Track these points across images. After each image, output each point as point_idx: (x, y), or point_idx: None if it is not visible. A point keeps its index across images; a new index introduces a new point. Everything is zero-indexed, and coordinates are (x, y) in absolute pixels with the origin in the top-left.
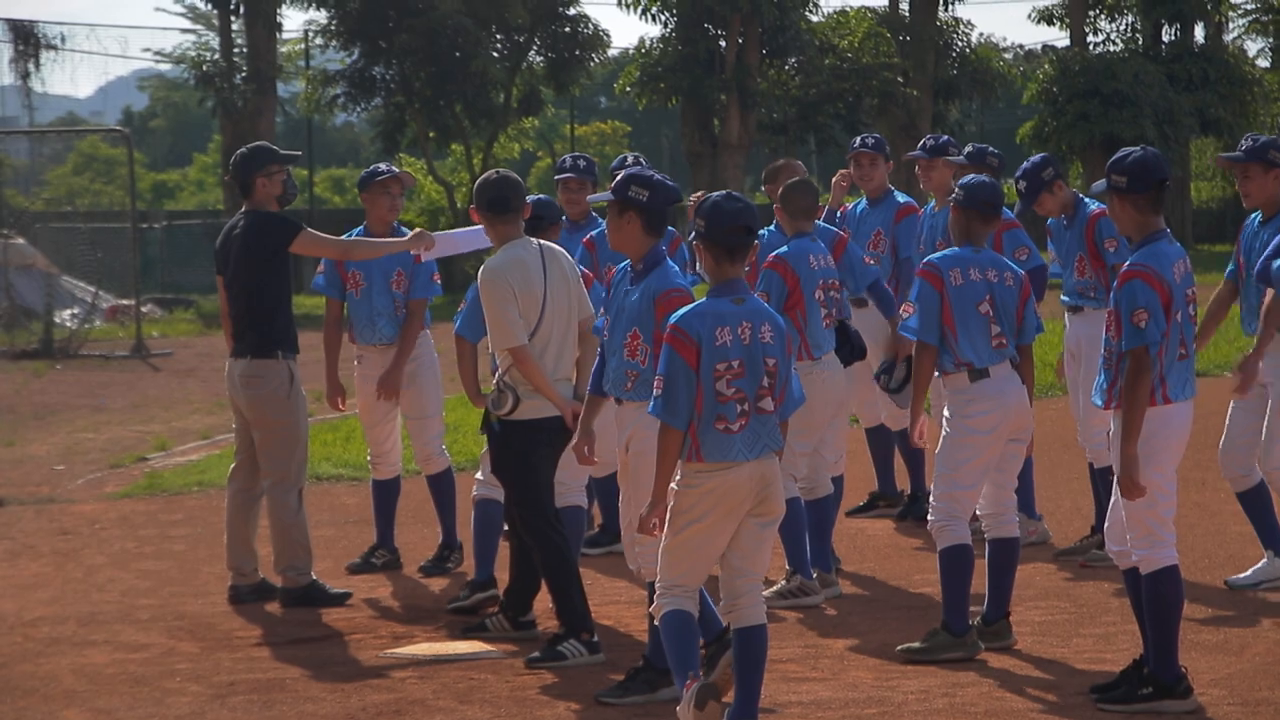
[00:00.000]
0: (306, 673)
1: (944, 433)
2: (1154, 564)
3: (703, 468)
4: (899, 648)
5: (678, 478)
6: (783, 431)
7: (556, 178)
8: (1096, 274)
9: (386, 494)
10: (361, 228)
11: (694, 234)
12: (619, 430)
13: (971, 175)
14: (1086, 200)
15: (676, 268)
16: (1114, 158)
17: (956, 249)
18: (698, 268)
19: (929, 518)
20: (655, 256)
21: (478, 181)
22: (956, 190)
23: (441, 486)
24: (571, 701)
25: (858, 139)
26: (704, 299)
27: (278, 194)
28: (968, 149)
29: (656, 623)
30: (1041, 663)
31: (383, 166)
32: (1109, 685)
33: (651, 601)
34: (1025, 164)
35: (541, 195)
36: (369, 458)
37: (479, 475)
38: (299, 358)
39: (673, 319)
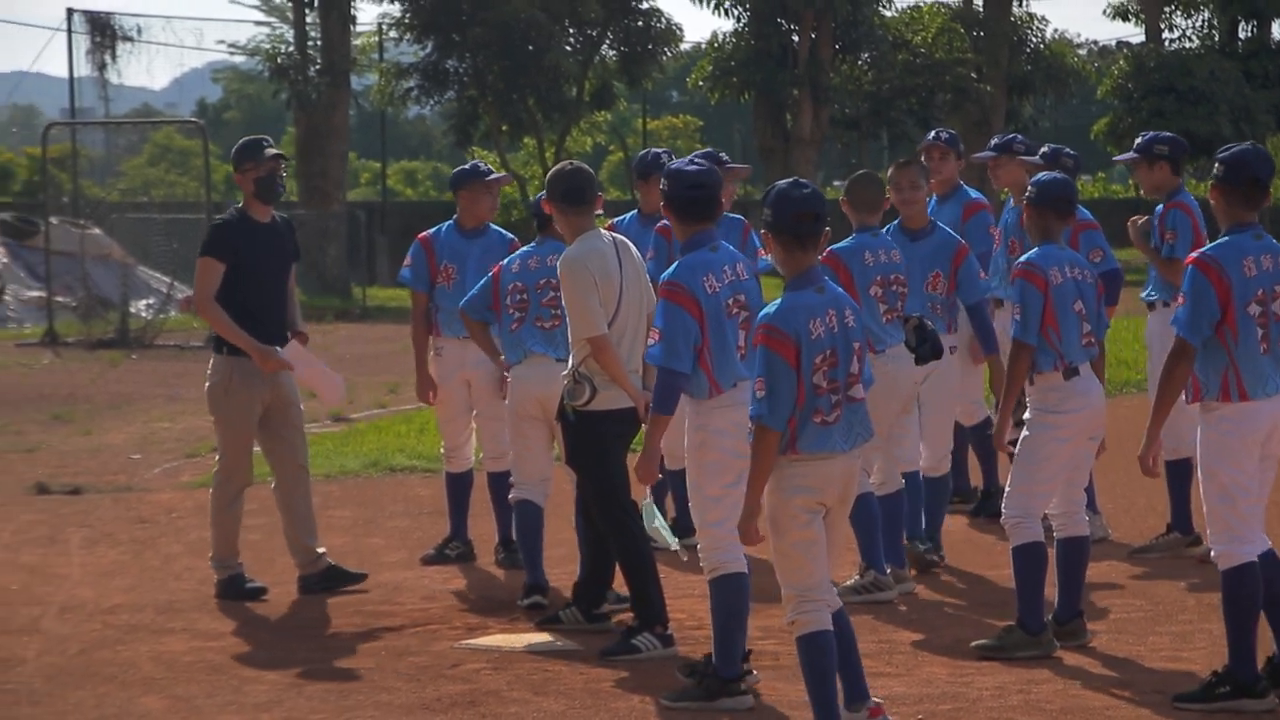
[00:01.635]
0: (382, 663)
1: (1025, 432)
2: (1230, 560)
3: (799, 459)
4: (973, 644)
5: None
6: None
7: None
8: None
9: (460, 487)
10: (451, 223)
11: (764, 224)
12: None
13: (1044, 172)
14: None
15: (704, 257)
16: (1222, 148)
17: (1048, 247)
18: (768, 256)
19: (1004, 514)
20: (692, 242)
21: (551, 173)
22: (1030, 188)
23: (504, 485)
24: (645, 694)
25: (931, 133)
26: (787, 293)
27: (251, 190)
28: (1043, 150)
29: (794, 637)
30: (1117, 661)
31: (484, 165)
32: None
33: (718, 600)
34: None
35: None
36: (442, 450)
37: (512, 478)
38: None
39: (763, 318)
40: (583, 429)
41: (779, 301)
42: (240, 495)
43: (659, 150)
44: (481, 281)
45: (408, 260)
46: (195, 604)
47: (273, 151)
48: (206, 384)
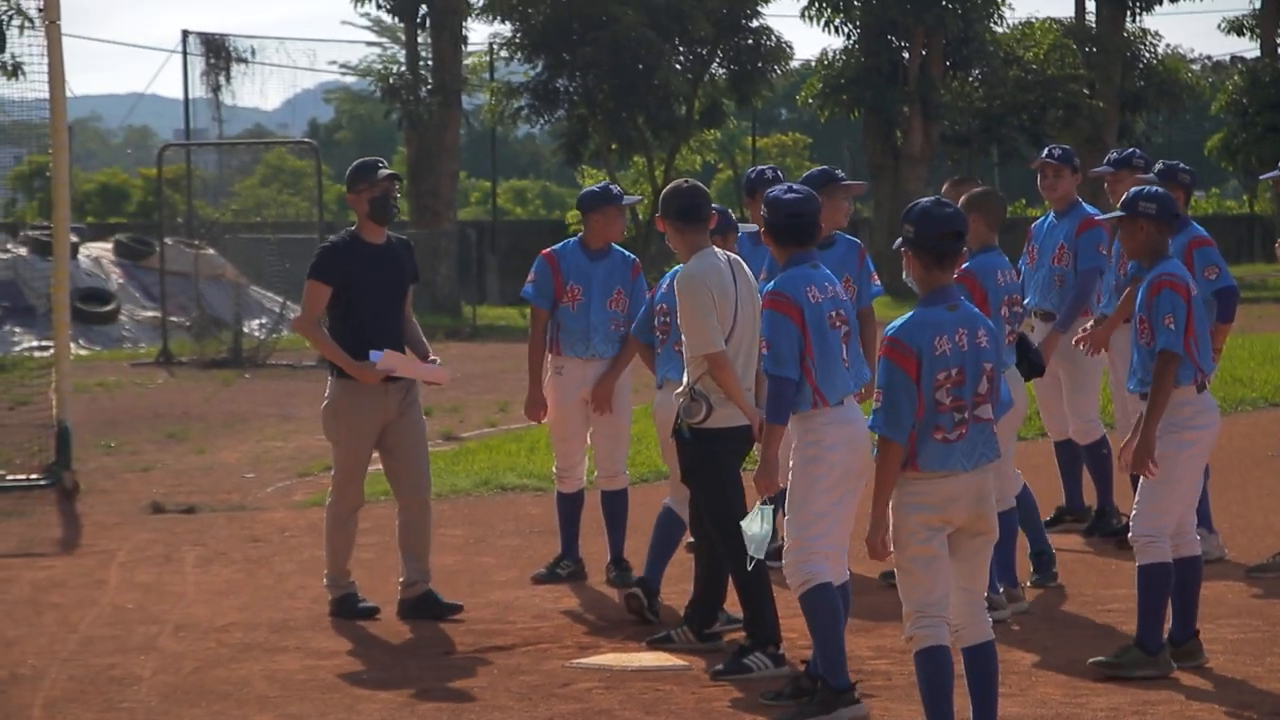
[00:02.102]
0: (494, 682)
1: (1158, 450)
2: None
3: (918, 476)
4: (1090, 660)
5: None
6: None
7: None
8: None
9: (572, 506)
10: (576, 241)
11: (900, 241)
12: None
13: (1141, 186)
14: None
15: (805, 271)
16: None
17: (1176, 260)
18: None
19: (1133, 531)
20: (791, 261)
21: (665, 190)
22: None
23: (617, 504)
24: (758, 714)
25: (1044, 149)
26: (918, 309)
27: (365, 211)
28: (1158, 166)
29: (912, 652)
30: (1233, 682)
31: (616, 188)
32: None
33: (819, 611)
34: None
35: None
36: (555, 470)
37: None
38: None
39: (889, 331)
40: (699, 447)
41: (908, 315)
42: (353, 516)
43: (765, 167)
44: (644, 305)
45: (532, 276)
46: (309, 622)
47: (387, 172)
48: (322, 404)
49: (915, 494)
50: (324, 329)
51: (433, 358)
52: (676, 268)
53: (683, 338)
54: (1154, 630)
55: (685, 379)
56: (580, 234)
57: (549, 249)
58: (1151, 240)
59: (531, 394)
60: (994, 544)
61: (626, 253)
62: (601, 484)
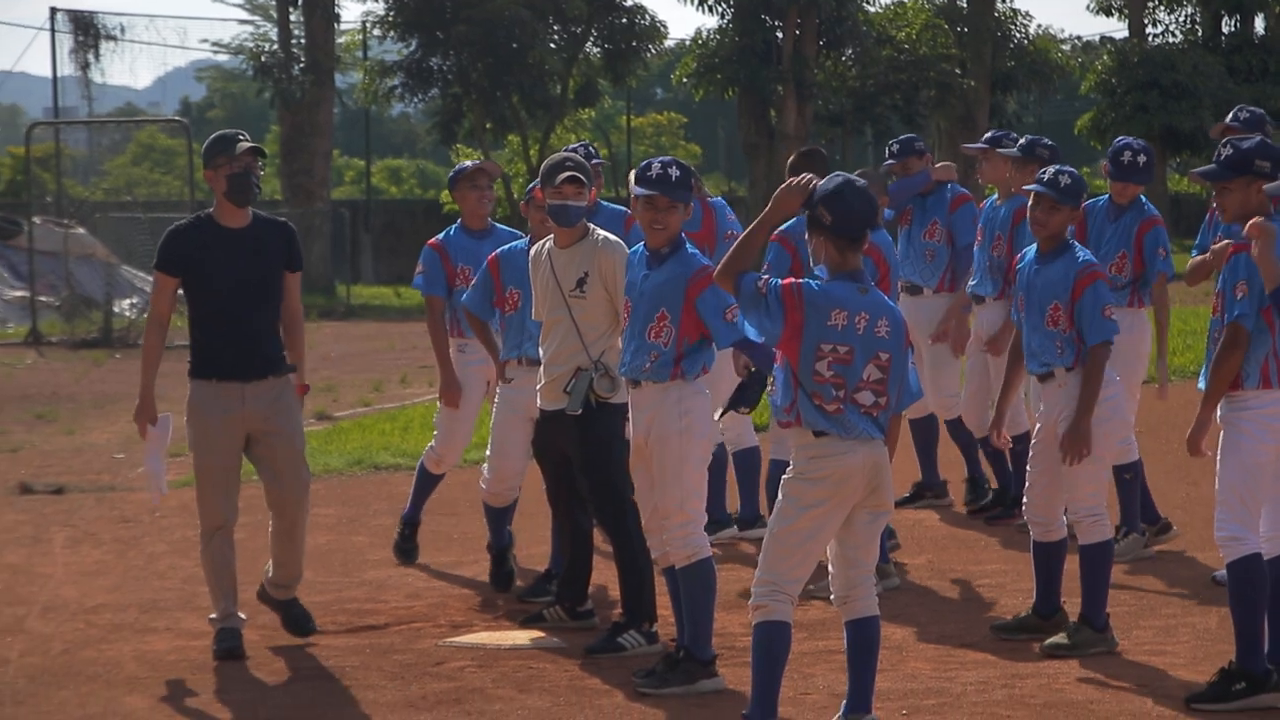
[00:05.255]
0: (367, 661)
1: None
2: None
3: (816, 451)
4: (1045, 643)
5: (791, 469)
6: (895, 425)
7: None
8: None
9: (434, 485)
10: (458, 225)
11: (809, 225)
12: (635, 414)
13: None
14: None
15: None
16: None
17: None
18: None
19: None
20: (680, 240)
21: (545, 164)
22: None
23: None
24: (630, 691)
25: (893, 142)
26: (828, 281)
27: (222, 190)
28: (1020, 141)
29: (752, 624)
30: (1100, 655)
31: (468, 163)
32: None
33: (677, 589)
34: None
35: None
36: (433, 448)
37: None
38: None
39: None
40: (601, 421)
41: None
42: (217, 535)
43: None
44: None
45: (420, 268)
46: (179, 603)
47: (248, 145)
48: None
49: (811, 470)
50: (157, 339)
51: (290, 377)
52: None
53: (597, 308)
54: (1099, 607)
55: (566, 356)
56: (460, 219)
57: (433, 239)
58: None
59: (445, 378)
60: (887, 519)
61: (513, 230)
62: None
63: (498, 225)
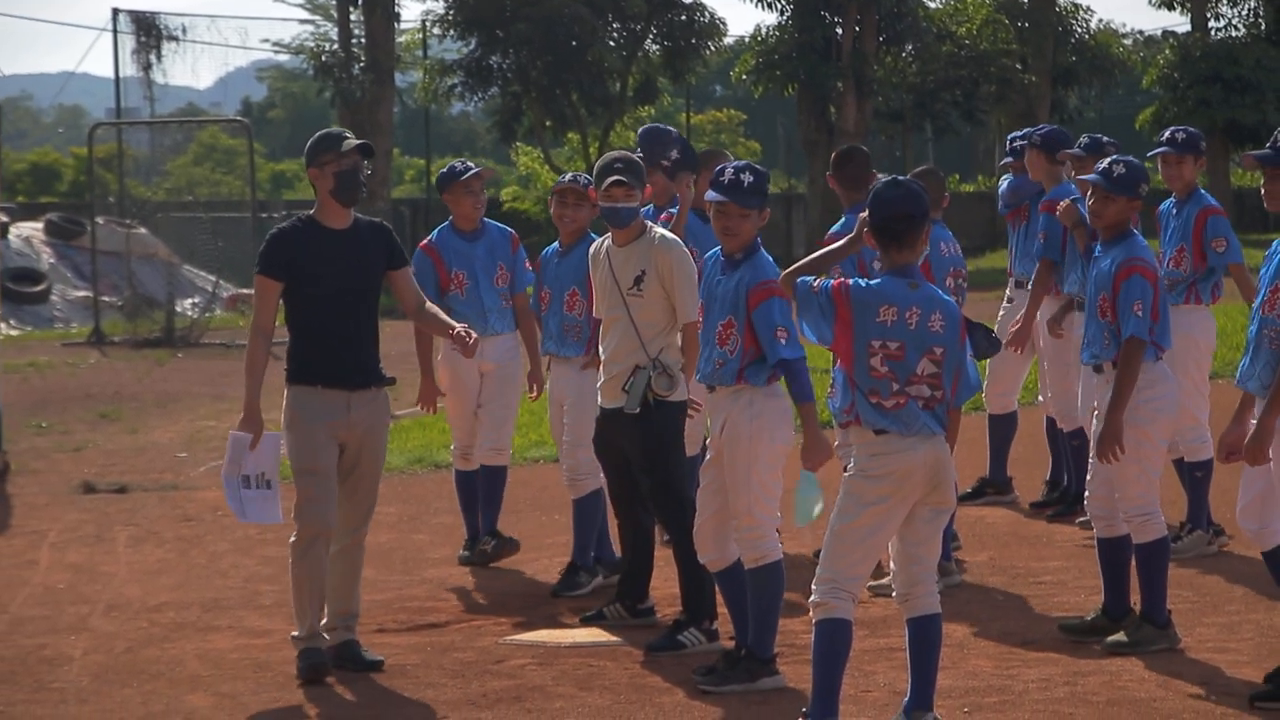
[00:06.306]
0: (427, 659)
1: None
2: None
3: (877, 449)
4: (1107, 641)
5: (852, 467)
6: (955, 420)
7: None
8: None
9: (474, 484)
10: (447, 225)
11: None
12: (712, 418)
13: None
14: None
15: (770, 258)
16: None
17: None
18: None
19: (1127, 513)
20: (754, 245)
21: (596, 165)
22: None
23: (498, 480)
24: (691, 688)
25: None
26: (879, 279)
27: (329, 188)
28: (1083, 140)
29: (813, 621)
30: (1163, 653)
31: (459, 164)
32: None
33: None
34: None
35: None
36: (454, 449)
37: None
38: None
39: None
40: (659, 419)
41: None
42: (315, 544)
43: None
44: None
45: (411, 269)
46: (241, 601)
47: (355, 143)
48: None
49: (872, 467)
50: (262, 348)
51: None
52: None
53: (654, 306)
54: (1159, 604)
55: (624, 355)
56: (450, 220)
57: (425, 240)
58: None
59: (424, 385)
60: (949, 516)
61: (503, 227)
62: (484, 458)
63: (488, 221)
